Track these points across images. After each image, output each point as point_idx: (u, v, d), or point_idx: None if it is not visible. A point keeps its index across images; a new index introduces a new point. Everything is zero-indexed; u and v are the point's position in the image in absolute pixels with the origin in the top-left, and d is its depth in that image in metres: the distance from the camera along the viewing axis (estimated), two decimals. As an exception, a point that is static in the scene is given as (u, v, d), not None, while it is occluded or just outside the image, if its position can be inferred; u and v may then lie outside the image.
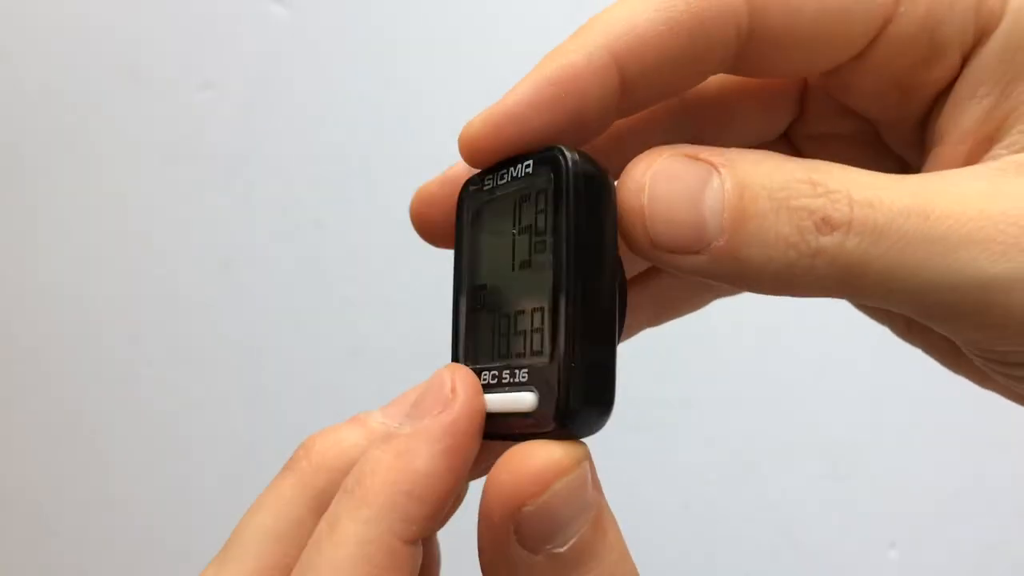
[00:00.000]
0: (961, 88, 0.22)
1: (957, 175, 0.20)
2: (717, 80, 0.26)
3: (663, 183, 0.20)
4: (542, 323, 0.21)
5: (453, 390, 0.21)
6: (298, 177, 0.71)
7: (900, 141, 0.25)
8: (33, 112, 0.73)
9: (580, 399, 0.20)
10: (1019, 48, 0.22)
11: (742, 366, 0.65)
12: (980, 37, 0.22)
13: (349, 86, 0.70)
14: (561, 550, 0.20)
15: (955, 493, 0.66)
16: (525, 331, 0.21)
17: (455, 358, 0.23)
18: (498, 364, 0.22)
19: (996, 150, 0.21)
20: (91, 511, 0.76)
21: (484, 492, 0.20)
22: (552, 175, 0.21)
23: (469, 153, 0.23)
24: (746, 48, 0.22)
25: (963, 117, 0.22)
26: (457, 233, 0.23)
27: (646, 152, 0.21)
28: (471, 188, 0.23)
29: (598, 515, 0.20)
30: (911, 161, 0.26)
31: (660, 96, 0.23)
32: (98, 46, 0.72)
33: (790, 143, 0.28)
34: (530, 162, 0.22)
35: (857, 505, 0.67)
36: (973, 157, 0.22)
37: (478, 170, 0.24)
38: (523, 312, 0.22)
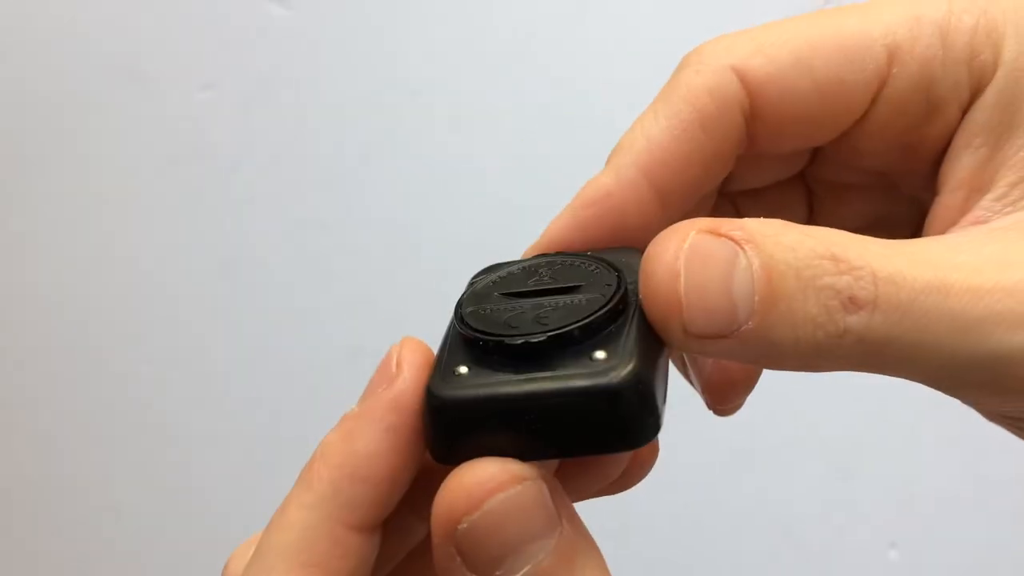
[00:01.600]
0: (959, 139, 0.23)
1: (970, 242, 0.21)
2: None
3: (698, 268, 0.19)
4: None
5: (398, 365, 0.21)
6: (298, 177, 0.71)
7: (914, 187, 0.26)
8: (33, 112, 0.73)
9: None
10: (1011, 102, 0.22)
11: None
12: (976, 91, 0.22)
13: (349, 86, 0.70)
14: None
15: (955, 493, 0.66)
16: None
17: None
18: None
19: (984, 201, 0.22)
20: (91, 511, 0.76)
21: (432, 511, 0.19)
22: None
23: None
24: (754, 129, 0.24)
25: (959, 166, 0.23)
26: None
27: (669, 231, 0.20)
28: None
29: (564, 546, 0.19)
30: (927, 202, 0.26)
31: (697, 191, 0.25)
32: (98, 46, 0.72)
33: (804, 185, 0.28)
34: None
35: (857, 505, 0.67)
36: (967, 206, 0.22)
37: None
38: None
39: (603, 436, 0.19)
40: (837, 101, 0.23)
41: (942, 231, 0.23)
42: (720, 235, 0.19)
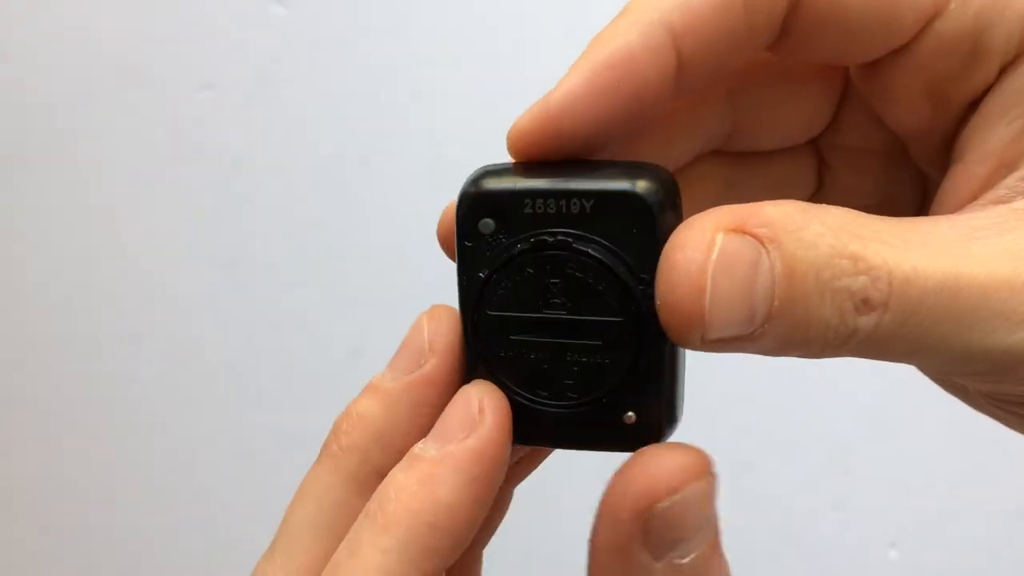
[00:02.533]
0: (993, 105, 0.22)
1: (989, 227, 0.20)
2: (763, 73, 0.25)
3: (725, 280, 0.18)
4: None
5: (481, 411, 0.21)
6: (298, 177, 0.71)
7: (926, 157, 0.25)
8: (33, 112, 0.73)
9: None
10: None
11: (741, 364, 0.65)
12: (1022, 51, 0.21)
13: (349, 86, 0.70)
14: (682, 562, 0.19)
15: (955, 493, 0.66)
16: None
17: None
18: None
19: (1011, 179, 0.21)
20: (91, 511, 0.76)
21: (610, 491, 0.19)
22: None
23: (519, 153, 0.22)
24: (791, 22, 0.22)
25: (989, 136, 0.21)
26: None
27: (691, 231, 0.19)
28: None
29: (715, 540, 0.20)
30: (934, 177, 0.25)
31: (713, 75, 0.22)
32: (98, 46, 0.72)
33: (817, 153, 0.27)
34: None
35: (857, 505, 0.67)
36: (991, 181, 0.21)
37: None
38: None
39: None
40: (886, 18, 0.21)
41: (958, 204, 0.22)
42: (745, 233, 0.19)
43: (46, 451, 0.76)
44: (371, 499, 0.21)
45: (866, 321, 0.18)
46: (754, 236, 0.18)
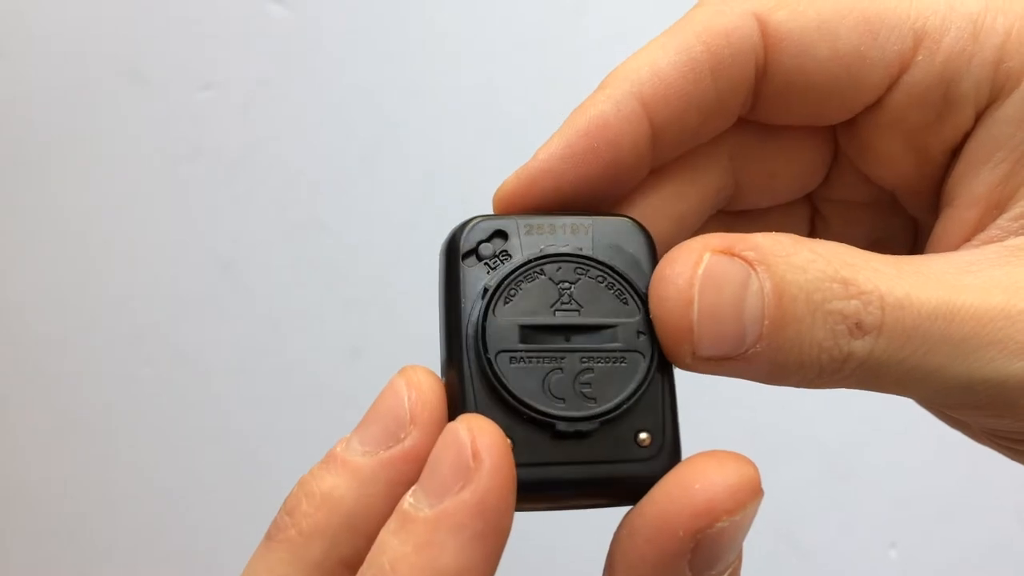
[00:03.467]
0: (975, 151, 0.22)
1: (981, 261, 0.20)
2: (758, 136, 0.26)
3: (711, 294, 0.19)
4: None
5: (475, 456, 0.18)
6: (298, 177, 0.71)
7: (916, 205, 0.25)
8: (33, 112, 0.73)
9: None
10: None
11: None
12: (996, 96, 0.22)
13: (349, 86, 0.70)
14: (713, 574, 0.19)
15: (955, 493, 0.66)
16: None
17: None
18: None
19: (1002, 220, 0.21)
20: (90, 511, 0.76)
21: (665, 501, 0.18)
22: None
23: (508, 207, 0.23)
24: (762, 88, 0.23)
25: (975, 181, 0.22)
26: None
27: (681, 250, 0.20)
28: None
29: (740, 558, 0.20)
30: (924, 223, 0.26)
31: (689, 141, 0.23)
32: (98, 46, 0.72)
33: (811, 204, 0.28)
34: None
35: (857, 505, 0.67)
36: (982, 223, 0.22)
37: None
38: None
39: (626, 499, 0.21)
40: (854, 77, 0.22)
41: (952, 247, 0.22)
42: (734, 255, 0.19)
43: (45, 451, 0.76)
44: (363, 567, 0.18)
45: (860, 345, 0.19)
46: (743, 259, 0.19)
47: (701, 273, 0.19)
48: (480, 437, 0.18)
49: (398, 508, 0.19)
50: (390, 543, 0.18)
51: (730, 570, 0.19)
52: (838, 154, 0.26)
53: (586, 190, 0.23)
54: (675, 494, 0.18)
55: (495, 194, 0.23)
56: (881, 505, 0.67)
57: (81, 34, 0.72)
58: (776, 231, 0.28)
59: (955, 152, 0.23)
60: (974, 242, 0.21)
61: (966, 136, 0.22)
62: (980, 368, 0.19)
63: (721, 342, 0.19)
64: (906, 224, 0.27)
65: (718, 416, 0.65)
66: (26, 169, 0.74)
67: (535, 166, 0.22)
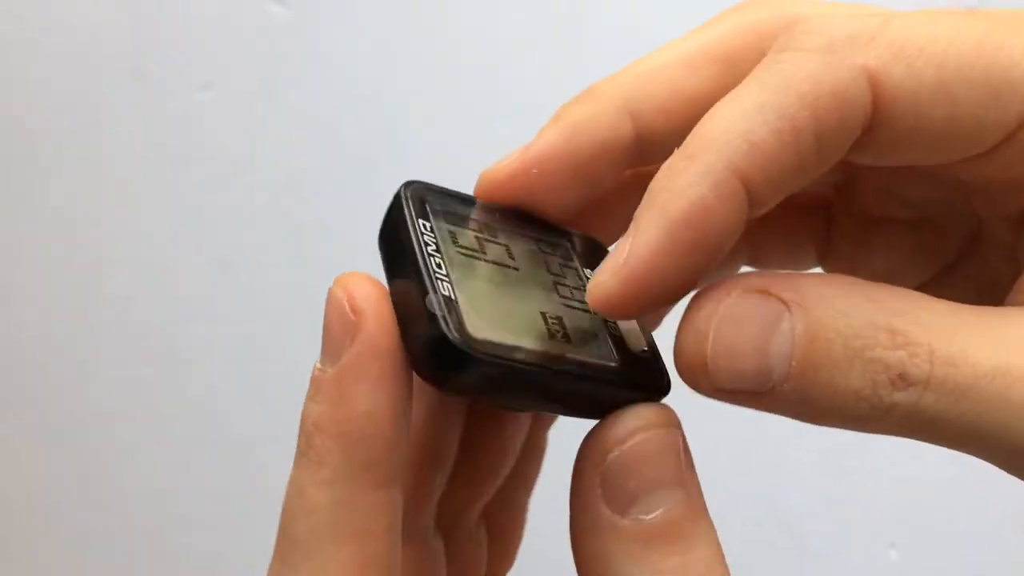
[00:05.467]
0: None
1: None
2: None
3: (730, 330, 0.18)
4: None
5: (355, 311, 0.20)
6: (298, 177, 0.71)
7: (989, 221, 0.24)
8: (32, 112, 0.73)
9: None
10: None
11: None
12: None
13: (349, 86, 0.70)
14: (647, 517, 0.19)
15: (955, 493, 0.66)
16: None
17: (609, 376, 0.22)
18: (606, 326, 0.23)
19: None
20: (90, 511, 0.76)
21: (577, 453, 0.20)
22: (420, 199, 0.23)
23: (611, 312, 0.21)
24: (863, 143, 0.20)
25: None
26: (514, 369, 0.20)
27: (713, 288, 0.19)
28: (458, 325, 0.20)
29: (692, 501, 0.20)
30: (988, 235, 0.24)
31: (779, 199, 0.21)
32: (98, 46, 0.72)
33: (826, 217, 0.27)
34: (421, 224, 0.23)
35: (857, 505, 0.67)
36: None
37: None
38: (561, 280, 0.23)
39: (616, 406, 0.21)
40: (967, 138, 0.20)
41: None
42: (770, 295, 0.18)
43: (44, 451, 0.76)
44: (298, 439, 0.20)
45: (904, 397, 0.18)
46: (779, 299, 0.18)
47: (721, 310, 0.19)
48: (355, 291, 0.20)
49: (311, 378, 0.20)
50: (311, 409, 0.20)
51: (661, 511, 0.19)
52: (836, 224, 0.26)
53: (683, 284, 0.20)
54: (589, 436, 0.20)
55: (593, 293, 0.20)
56: (881, 505, 0.67)
57: (81, 34, 0.72)
58: (783, 237, 0.27)
59: None
60: None
61: None
62: None
63: (741, 377, 0.19)
64: (946, 254, 0.25)
65: (719, 416, 0.65)
66: (25, 168, 0.74)
67: (638, 264, 0.19)
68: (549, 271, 0.23)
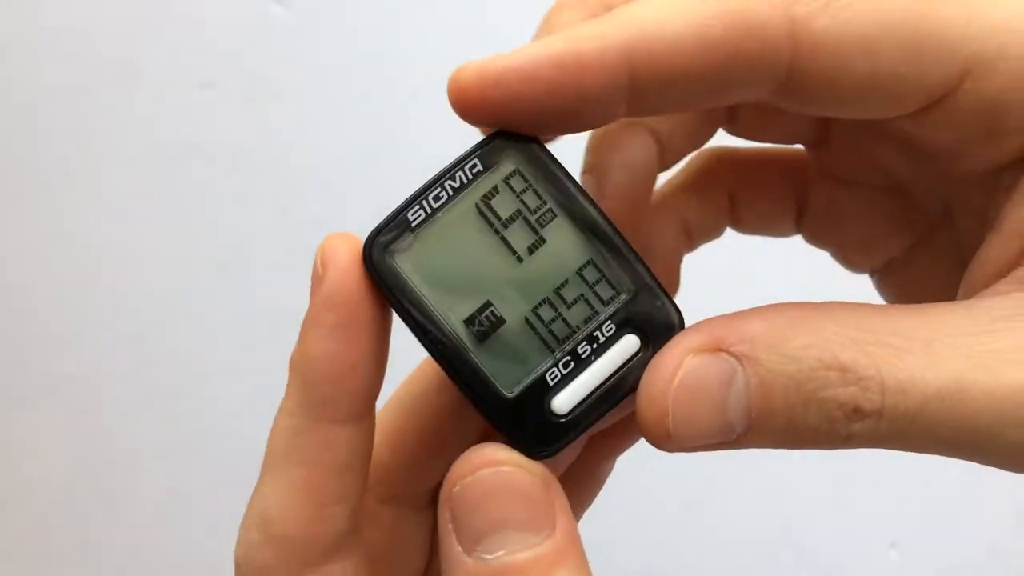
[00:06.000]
0: None
1: (1002, 319, 0.19)
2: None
3: (687, 398, 0.19)
4: (599, 271, 0.21)
5: (323, 264, 0.21)
6: (298, 177, 0.71)
7: (944, 196, 0.24)
8: (32, 111, 0.73)
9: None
10: None
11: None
12: None
13: (349, 86, 0.70)
14: (488, 557, 0.19)
15: (955, 493, 0.66)
16: (582, 294, 0.21)
17: (493, 400, 0.21)
18: (564, 349, 0.21)
19: None
20: (90, 512, 0.76)
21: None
22: (522, 153, 0.21)
23: (462, 102, 0.21)
24: (785, 88, 0.20)
25: (1018, 215, 0.21)
26: (395, 295, 0.21)
27: (666, 355, 0.20)
28: (388, 239, 0.22)
29: (546, 547, 0.19)
30: (952, 205, 0.24)
31: (671, 109, 0.22)
32: (98, 45, 0.72)
33: (803, 182, 0.27)
34: (474, 162, 0.22)
35: (857, 505, 0.67)
36: (1020, 260, 0.20)
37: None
38: (566, 282, 0.21)
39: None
40: (887, 97, 0.20)
41: (988, 276, 0.21)
42: (721, 352, 0.19)
43: (44, 452, 0.76)
44: None
45: (861, 427, 0.19)
46: (730, 354, 0.19)
47: (676, 385, 0.19)
48: (327, 249, 0.22)
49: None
50: (293, 349, 0.22)
51: (501, 553, 0.19)
52: (843, 128, 0.26)
53: (528, 115, 0.21)
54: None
55: (454, 81, 0.21)
56: (881, 505, 0.67)
57: (80, 33, 0.72)
58: (776, 175, 0.27)
59: (1001, 172, 0.21)
60: (1009, 280, 0.20)
61: (1015, 164, 0.21)
62: (990, 441, 0.19)
63: (705, 436, 0.20)
64: (923, 218, 0.26)
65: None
66: (24, 168, 0.74)
67: (496, 67, 0.20)
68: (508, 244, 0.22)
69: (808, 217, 0.28)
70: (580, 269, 0.21)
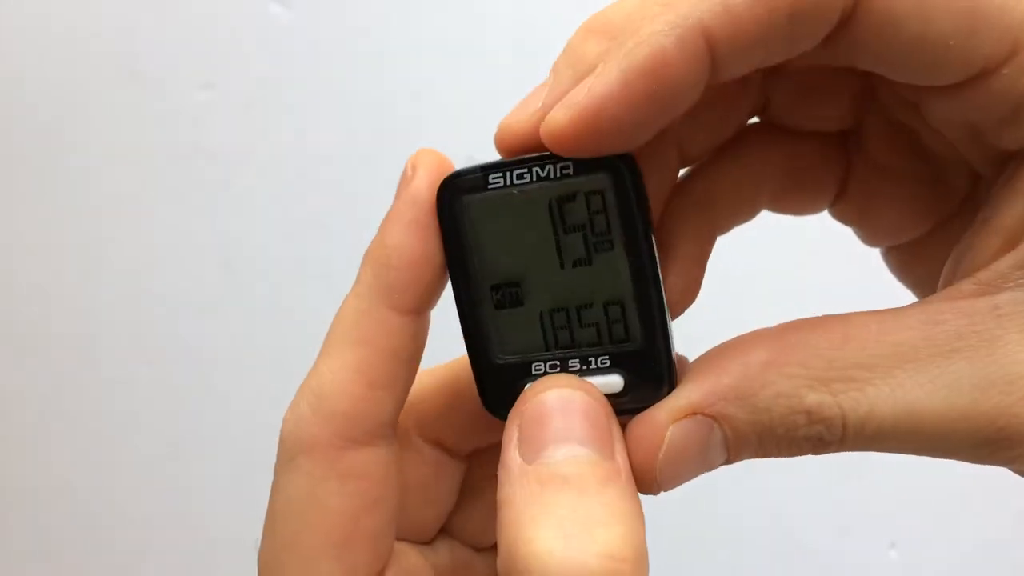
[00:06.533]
0: (1021, 179, 0.21)
1: (966, 336, 0.21)
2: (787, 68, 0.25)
3: (670, 463, 0.21)
4: (623, 314, 0.23)
5: (413, 168, 0.24)
6: (298, 177, 0.71)
7: (973, 172, 0.25)
8: (32, 112, 0.73)
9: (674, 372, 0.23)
10: None
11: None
12: None
13: (349, 86, 0.70)
14: (549, 463, 0.21)
15: (955, 493, 0.66)
16: (598, 323, 0.23)
17: (483, 355, 0.24)
18: (561, 354, 0.23)
19: (1006, 261, 0.21)
20: (90, 512, 0.76)
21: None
22: (614, 179, 0.22)
23: (558, 147, 0.21)
24: (833, 42, 0.21)
25: (1009, 209, 0.21)
26: (449, 232, 0.23)
27: (645, 425, 0.22)
28: (465, 184, 0.23)
29: (601, 461, 0.21)
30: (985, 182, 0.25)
31: (742, 73, 0.21)
32: (98, 46, 0.72)
33: (845, 164, 0.27)
34: (569, 163, 0.22)
35: (857, 505, 0.67)
36: (998, 254, 0.21)
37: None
38: (590, 306, 0.23)
39: None
40: (933, 64, 0.21)
41: (973, 266, 0.22)
42: (697, 415, 0.21)
43: (44, 452, 0.76)
44: None
45: (826, 449, 0.22)
46: (706, 415, 0.21)
47: (662, 456, 0.21)
48: (419, 157, 0.24)
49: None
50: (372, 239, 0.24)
51: (562, 459, 0.21)
52: (877, 108, 0.26)
53: (633, 133, 0.21)
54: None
55: (546, 127, 0.21)
56: (881, 505, 0.67)
57: (81, 33, 0.72)
58: (813, 162, 0.27)
59: (1010, 160, 0.22)
60: (976, 280, 0.21)
61: (1021, 155, 0.21)
62: (947, 455, 0.21)
63: (687, 479, 0.22)
64: (955, 201, 0.26)
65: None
66: (25, 168, 0.74)
67: (590, 106, 0.20)
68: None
69: (843, 200, 0.28)
70: (608, 303, 0.23)
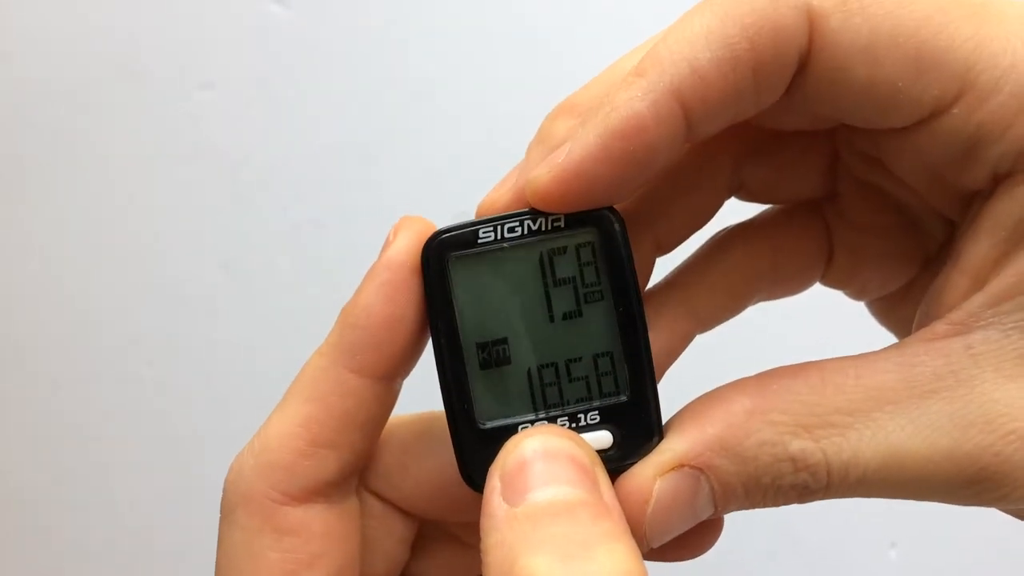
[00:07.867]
0: (984, 219, 0.21)
1: (943, 378, 0.21)
2: (759, 140, 0.26)
3: (659, 518, 0.21)
4: (612, 366, 0.22)
5: (395, 233, 0.24)
6: (298, 177, 0.71)
7: (931, 226, 0.25)
8: (32, 112, 0.73)
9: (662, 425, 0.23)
10: None
11: (743, 365, 0.65)
12: (1017, 171, 0.21)
13: (349, 86, 0.70)
14: (537, 500, 0.20)
15: (955, 493, 0.66)
16: (587, 376, 0.23)
17: (464, 420, 0.23)
18: (547, 414, 0.23)
19: (976, 300, 0.21)
20: (90, 512, 0.76)
21: None
22: (601, 229, 0.22)
23: (542, 203, 0.22)
24: (795, 85, 0.21)
25: (973, 250, 0.21)
26: (434, 290, 0.23)
27: (634, 481, 0.22)
28: (452, 240, 0.23)
29: (591, 500, 0.20)
30: (937, 237, 0.25)
31: (718, 129, 0.22)
32: (98, 45, 0.72)
33: (827, 233, 0.28)
34: (560, 216, 0.22)
35: (857, 505, 0.67)
36: (967, 295, 0.22)
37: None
38: (579, 359, 0.23)
39: None
40: (881, 104, 0.21)
41: (942, 307, 0.22)
42: (684, 467, 0.21)
43: (44, 452, 0.76)
44: None
45: (812, 498, 0.22)
46: (692, 467, 0.21)
47: (650, 512, 0.21)
48: (403, 223, 0.24)
49: None
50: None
51: (550, 495, 0.20)
52: (840, 172, 0.26)
53: (612, 190, 0.22)
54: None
55: (530, 186, 0.22)
56: (881, 505, 0.67)
57: (80, 33, 0.72)
58: (796, 241, 0.28)
59: (976, 199, 0.22)
60: (948, 320, 0.21)
61: (982, 194, 0.22)
62: (929, 500, 0.22)
63: (676, 533, 0.22)
64: (933, 246, 0.26)
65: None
66: (24, 168, 0.74)
67: (569, 167, 0.21)
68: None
69: (832, 267, 0.28)
70: (597, 355, 0.23)
